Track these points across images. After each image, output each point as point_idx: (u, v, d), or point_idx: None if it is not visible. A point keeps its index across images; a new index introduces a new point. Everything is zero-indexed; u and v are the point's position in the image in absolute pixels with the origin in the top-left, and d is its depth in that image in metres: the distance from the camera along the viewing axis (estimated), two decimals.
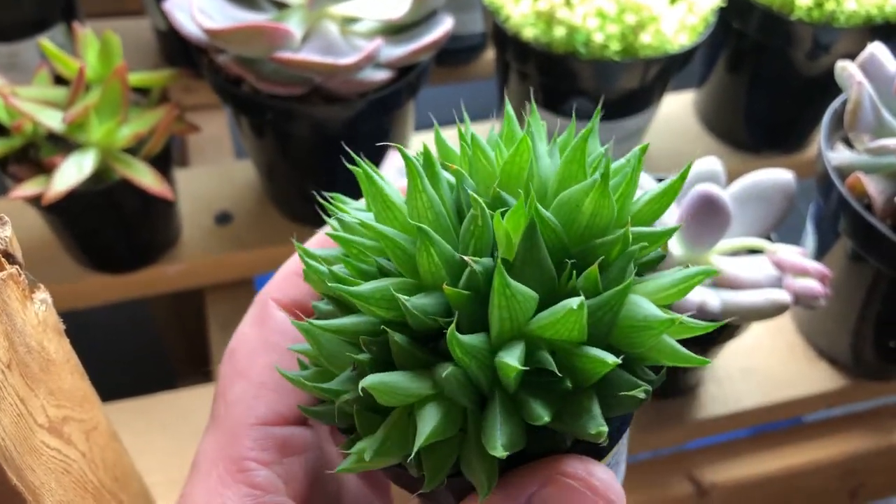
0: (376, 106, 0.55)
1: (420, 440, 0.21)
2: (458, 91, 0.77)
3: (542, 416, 0.21)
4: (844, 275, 0.54)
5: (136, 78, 0.58)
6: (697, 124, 0.74)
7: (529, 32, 0.57)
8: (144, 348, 0.98)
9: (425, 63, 0.57)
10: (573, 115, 0.34)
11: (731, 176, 0.52)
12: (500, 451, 0.20)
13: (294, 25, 0.52)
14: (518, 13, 0.57)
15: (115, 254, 0.62)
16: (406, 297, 0.22)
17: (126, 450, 0.36)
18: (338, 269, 0.24)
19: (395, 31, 0.56)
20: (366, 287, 0.22)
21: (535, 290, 0.22)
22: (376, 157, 0.55)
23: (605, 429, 0.21)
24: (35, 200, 0.54)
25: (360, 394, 0.21)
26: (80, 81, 0.54)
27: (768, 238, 0.51)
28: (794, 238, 0.56)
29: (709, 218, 0.47)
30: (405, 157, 0.23)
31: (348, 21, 0.55)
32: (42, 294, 0.28)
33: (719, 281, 0.48)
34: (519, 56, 0.59)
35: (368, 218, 0.25)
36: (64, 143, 0.55)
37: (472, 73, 0.80)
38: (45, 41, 0.57)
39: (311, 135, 0.57)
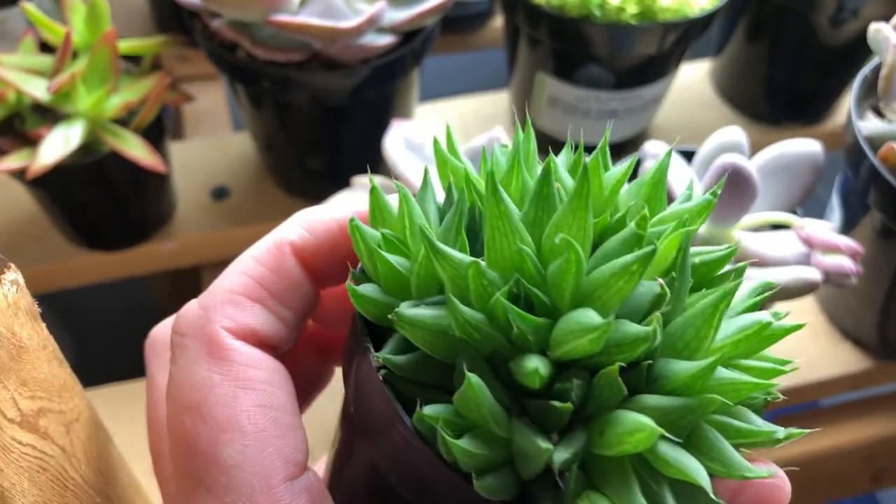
0: (379, 73, 0.52)
1: (708, 485, 0.19)
2: (465, 61, 0.74)
3: (773, 429, 0.21)
4: (873, 251, 0.51)
5: (126, 45, 0.55)
6: (714, 94, 0.71)
7: None
8: (144, 328, 0.96)
9: (431, 27, 0.54)
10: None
11: (750, 148, 0.50)
12: (757, 473, 0.20)
13: None
14: None
15: (107, 230, 0.59)
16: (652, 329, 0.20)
17: (112, 441, 0.34)
18: (436, 313, 0.21)
19: None
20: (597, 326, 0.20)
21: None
22: (379, 128, 0.52)
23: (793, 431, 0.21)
24: (21, 174, 0.51)
25: (596, 451, 0.20)
26: (66, 48, 0.51)
27: (793, 213, 0.48)
28: (813, 213, 0.53)
29: (734, 192, 0.44)
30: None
31: None
32: (12, 275, 0.25)
33: (744, 259, 0.45)
34: (530, 20, 0.56)
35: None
36: (51, 114, 0.52)
37: (480, 42, 0.77)
38: (30, 6, 0.54)
39: (311, 104, 0.54)
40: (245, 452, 0.22)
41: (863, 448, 0.59)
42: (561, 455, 0.20)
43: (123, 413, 0.54)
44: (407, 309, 0.21)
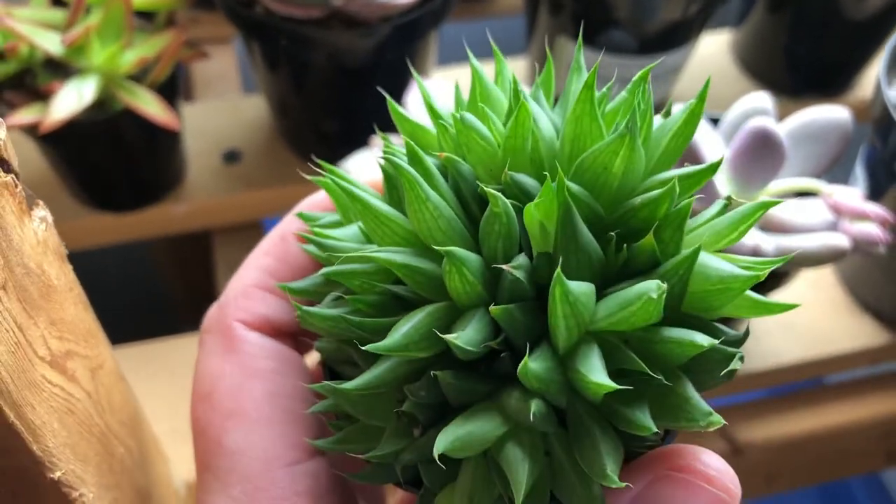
0: (400, 32, 0.51)
1: (520, 492, 0.18)
2: (482, 29, 0.73)
3: (648, 424, 0.19)
4: None
5: (140, 0, 0.54)
6: (735, 66, 0.70)
7: None
8: (147, 291, 0.95)
9: None
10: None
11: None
12: (613, 481, 0.18)
13: None
14: None
15: (118, 191, 0.58)
16: (454, 337, 0.19)
17: (133, 393, 0.33)
18: (340, 311, 0.22)
19: None
20: (400, 335, 0.19)
21: (585, 277, 0.19)
22: (397, 91, 0.51)
23: (719, 419, 0.19)
24: (32, 130, 0.50)
25: (433, 454, 0.19)
26: (79, 1, 0.50)
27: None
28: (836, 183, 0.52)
29: (763, 156, 0.43)
30: (394, 164, 0.20)
31: None
32: (41, 211, 0.24)
33: (772, 225, 0.44)
34: None
35: (354, 234, 0.23)
36: (63, 70, 0.51)
37: (498, 8, 0.75)
38: None
39: (328, 64, 0.52)
40: (248, 438, 0.23)
41: (879, 425, 0.59)
42: (406, 456, 0.21)
43: (137, 374, 0.53)
44: (308, 308, 0.23)
